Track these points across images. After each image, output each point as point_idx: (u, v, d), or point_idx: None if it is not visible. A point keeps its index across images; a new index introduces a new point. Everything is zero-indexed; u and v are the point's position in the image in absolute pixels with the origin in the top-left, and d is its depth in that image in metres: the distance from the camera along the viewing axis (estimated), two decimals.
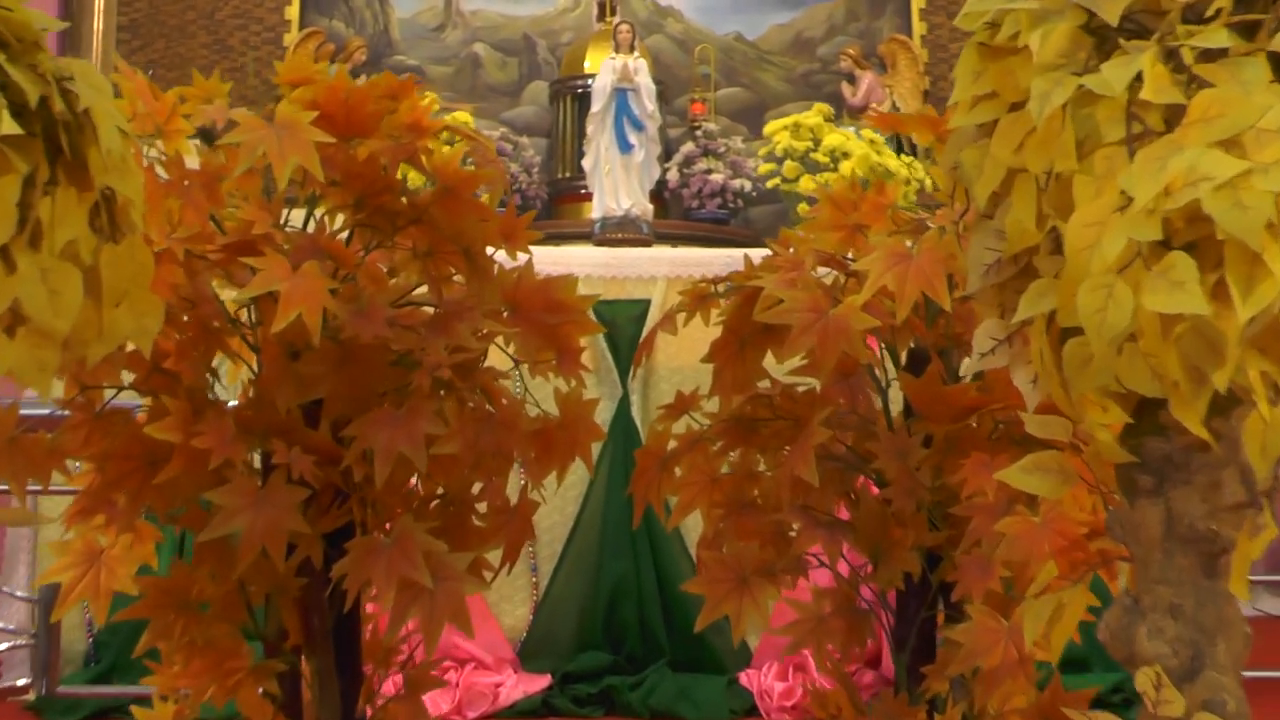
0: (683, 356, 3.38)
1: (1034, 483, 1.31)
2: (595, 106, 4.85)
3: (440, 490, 1.57)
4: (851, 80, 6.64)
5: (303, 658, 1.59)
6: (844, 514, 1.70)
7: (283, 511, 1.40)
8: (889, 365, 1.70)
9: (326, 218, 1.62)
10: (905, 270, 1.45)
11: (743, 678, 3.48)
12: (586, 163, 4.94)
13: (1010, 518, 1.47)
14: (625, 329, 3.56)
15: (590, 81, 5.47)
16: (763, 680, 3.43)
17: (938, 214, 1.60)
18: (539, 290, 1.62)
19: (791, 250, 1.57)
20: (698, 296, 1.62)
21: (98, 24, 6.06)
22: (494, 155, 1.62)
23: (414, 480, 1.60)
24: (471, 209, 1.54)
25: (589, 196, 5.33)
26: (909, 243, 1.49)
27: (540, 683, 3.49)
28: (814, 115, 5.12)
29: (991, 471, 1.47)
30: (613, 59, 4.85)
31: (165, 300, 1.40)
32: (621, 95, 4.82)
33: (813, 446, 1.46)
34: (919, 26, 6.80)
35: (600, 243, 4.45)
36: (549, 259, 3.51)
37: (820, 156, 4.75)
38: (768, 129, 5.30)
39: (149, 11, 6.52)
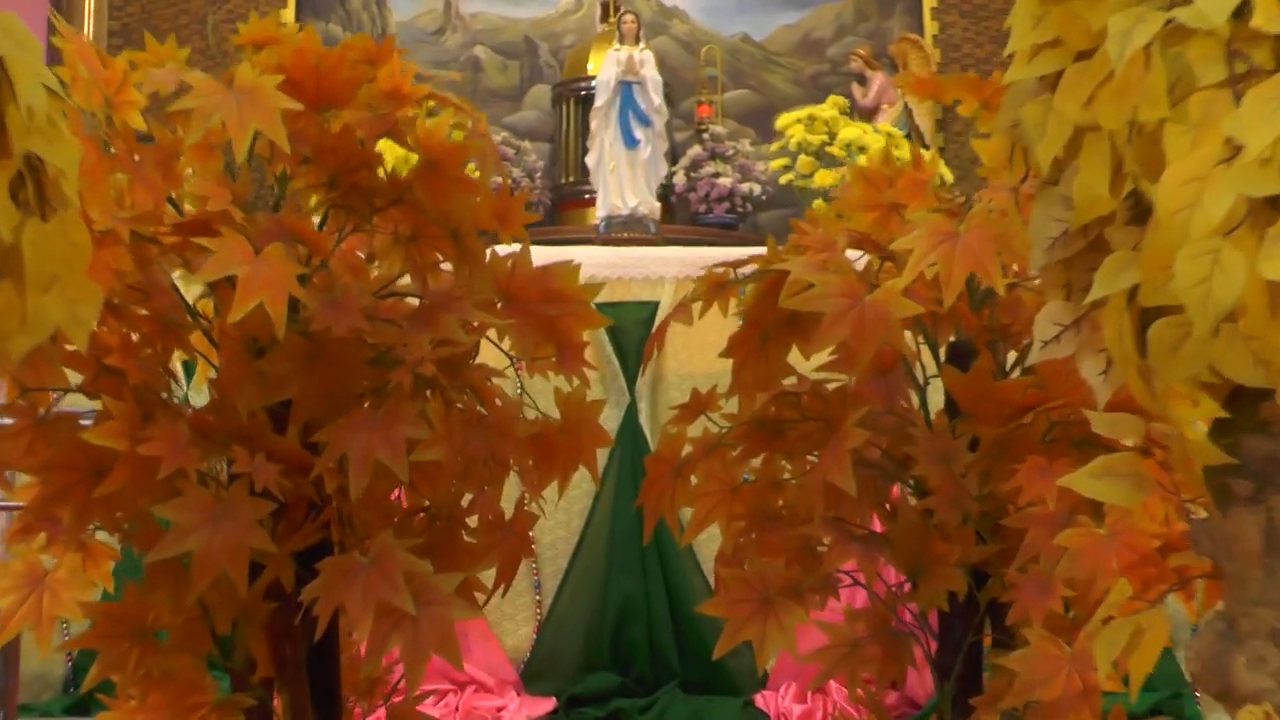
0: (694, 361, 3.21)
1: (1105, 489, 1.14)
2: (599, 101, 4.66)
3: (425, 503, 1.39)
4: (862, 81, 6.47)
5: (274, 691, 1.42)
6: (877, 527, 1.53)
7: (244, 528, 1.23)
8: (925, 360, 1.53)
9: (298, 200, 1.45)
10: (952, 249, 1.28)
11: (759, 700, 3.29)
12: (590, 159, 4.76)
13: (1072, 530, 1.30)
14: (632, 332, 3.38)
15: (593, 84, 5.29)
16: (780, 703, 3.25)
17: (984, 191, 1.42)
18: (536, 279, 1.45)
19: (820, 230, 1.39)
20: (715, 284, 1.44)
21: (88, 28, 5.92)
22: (484, 129, 1.45)
23: (398, 493, 1.43)
24: (459, 185, 1.37)
25: (593, 201, 5.16)
26: (954, 221, 1.31)
27: (544, 706, 3.31)
28: (829, 108, 4.95)
29: (1051, 478, 1.30)
30: (617, 50, 4.66)
31: (107, 288, 1.23)
32: (627, 89, 4.64)
33: (848, 450, 1.29)
34: (930, 26, 6.64)
35: (605, 243, 4.28)
36: (549, 258, 3.33)
37: (836, 150, 4.57)
38: (780, 122, 5.11)
39: (141, 16, 6.38)
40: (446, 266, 1.47)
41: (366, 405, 1.32)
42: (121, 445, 1.20)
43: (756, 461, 1.50)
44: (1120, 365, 1.06)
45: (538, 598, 3.42)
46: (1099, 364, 1.11)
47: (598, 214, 4.62)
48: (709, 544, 3.34)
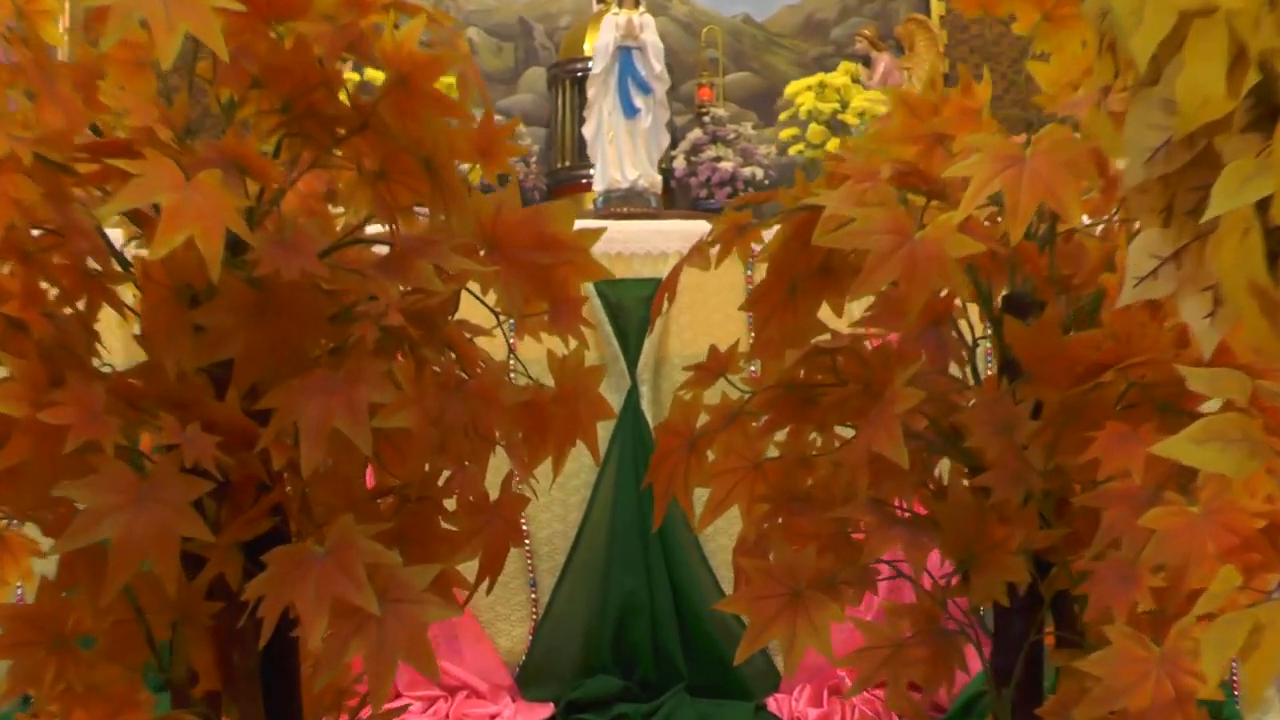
0: (699, 342, 2.99)
1: (1212, 457, 0.94)
2: (596, 67, 4.41)
3: (396, 483, 1.18)
4: (867, 63, 6.24)
5: (221, 706, 1.21)
6: (918, 510, 1.32)
7: (173, 511, 1.02)
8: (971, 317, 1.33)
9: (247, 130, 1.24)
10: (1018, 175, 1.07)
11: (771, 703, 3.08)
12: (587, 130, 4.51)
13: (1160, 509, 1.09)
14: (633, 312, 3.16)
15: (591, 64, 5.06)
16: (794, 706, 3.04)
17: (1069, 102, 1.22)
18: (526, 222, 1.24)
19: (860, 159, 1.19)
20: (734, 226, 1.24)
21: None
22: (464, 46, 1.25)
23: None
24: (432, 105, 1.16)
25: (590, 186, 4.93)
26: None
27: (542, 712, 3.10)
28: (840, 75, 4.73)
29: (1137, 446, 1.09)
30: (615, 14, 4.40)
31: (3, 222, 1.02)
32: (626, 54, 4.39)
33: (898, 416, 1.08)
34: (937, 6, 6.41)
35: (603, 217, 4.05)
36: None
37: (849, 118, 4.34)
38: (790, 89, 4.87)
39: None
40: (423, 214, 1.26)
41: (326, 368, 1.11)
42: (20, 411, 0.99)
43: (783, 434, 1.29)
44: (1236, 302, 0.85)
45: (533, 595, 3.20)
46: (1203, 305, 0.90)
47: (595, 187, 4.37)
48: (715, 536, 3.13)
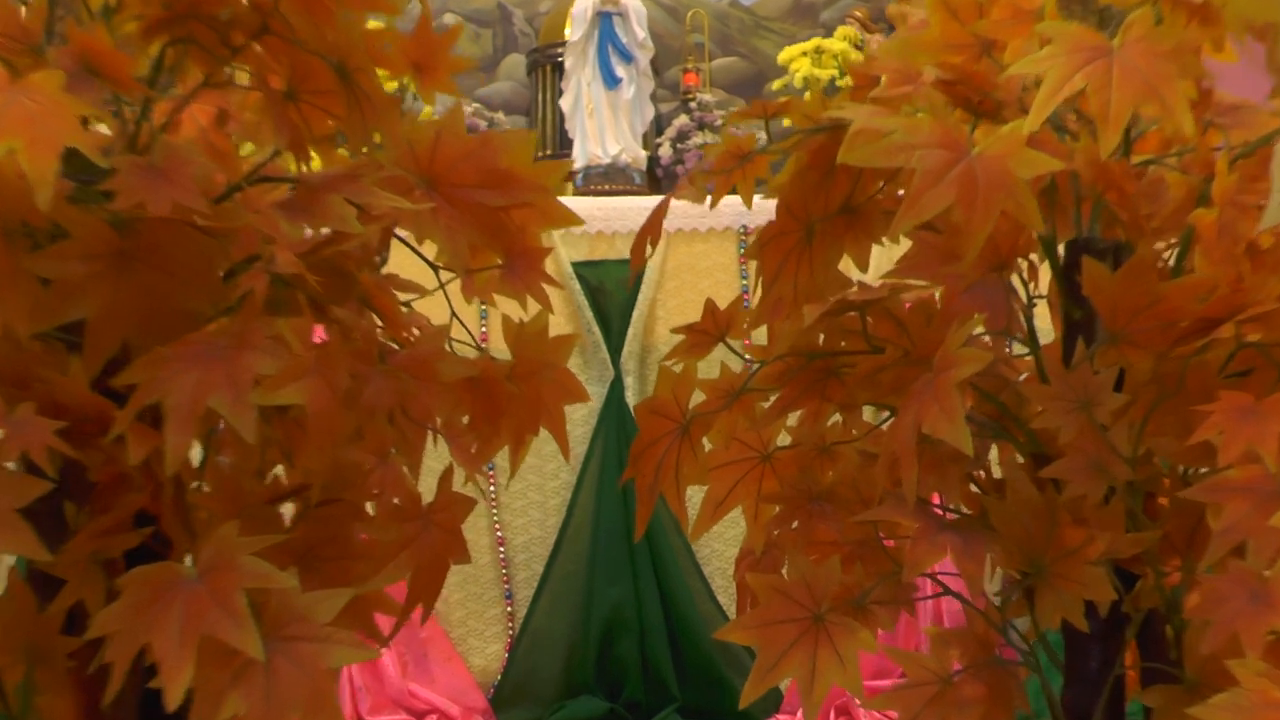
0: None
1: None
2: (574, 35, 4.11)
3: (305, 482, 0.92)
4: (859, 47, 6.00)
5: None
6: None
7: None
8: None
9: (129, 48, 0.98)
10: (1107, 70, 0.82)
11: None
12: (565, 102, 4.23)
13: None
14: (616, 295, 2.90)
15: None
16: None
17: None
18: (473, 154, 0.98)
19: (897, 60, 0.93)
20: (734, 154, 0.98)
21: None
22: None
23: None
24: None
25: (573, 177, 4.67)
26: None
27: None
28: (838, 40, 4.47)
29: (1267, 424, 0.84)
30: None
31: None
32: (606, 20, 4.10)
33: (956, 385, 0.82)
34: None
35: (583, 195, 3.78)
36: None
37: (848, 84, 4.08)
38: (783, 56, 4.60)
39: None
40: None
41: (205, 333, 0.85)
42: None
43: (797, 418, 1.03)
44: None
45: (509, 609, 2.94)
46: None
47: (575, 164, 4.09)
48: (710, 540, 2.87)
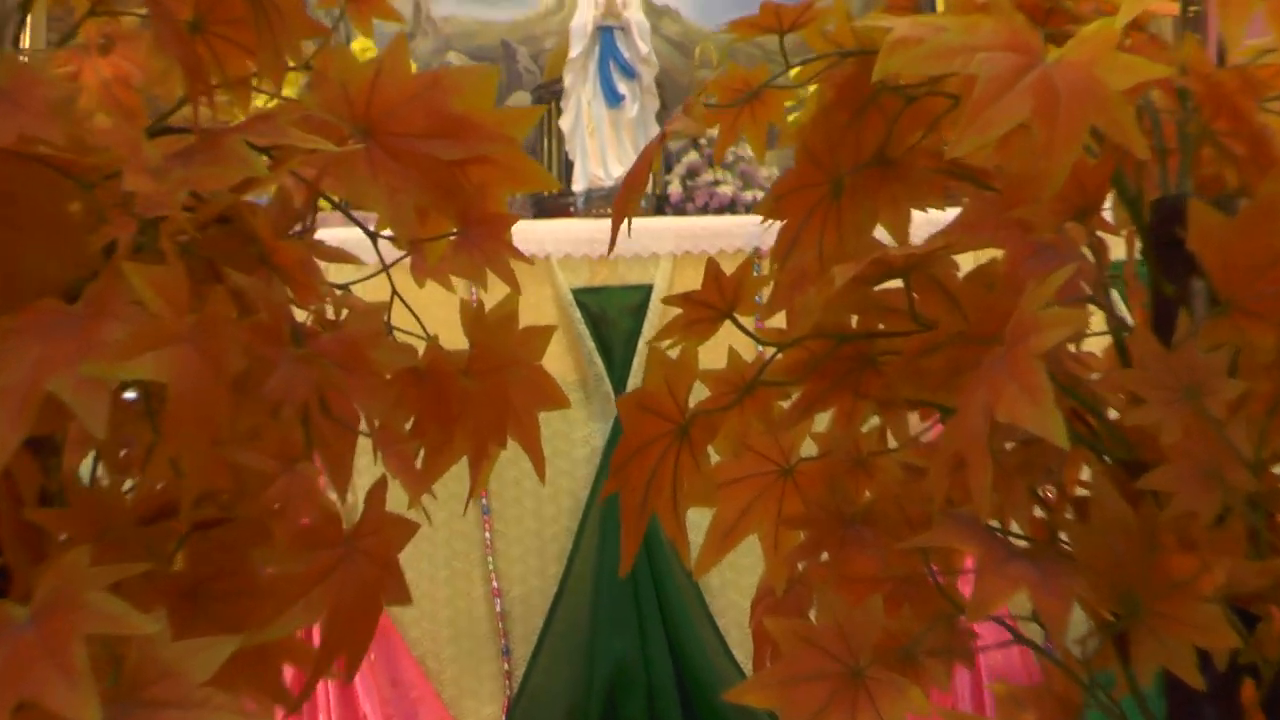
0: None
1: None
2: (574, 51, 3.93)
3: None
4: None
5: None
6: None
7: None
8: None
9: None
10: None
11: None
12: (564, 122, 4.04)
13: None
14: (620, 324, 2.71)
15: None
16: None
17: None
18: (420, 95, 0.80)
19: None
20: (736, 87, 0.79)
21: None
22: None
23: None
24: None
25: (573, 199, 4.48)
26: None
27: None
28: None
29: None
30: None
31: None
32: (607, 35, 3.92)
33: (1040, 357, 0.62)
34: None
35: (584, 217, 3.59)
36: (517, 236, 2.67)
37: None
38: (796, 74, 4.44)
39: None
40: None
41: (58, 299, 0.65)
42: None
43: (825, 419, 0.83)
44: None
45: (506, 667, 2.71)
46: None
47: (575, 187, 3.89)
48: (721, 574, 2.64)
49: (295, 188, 0.77)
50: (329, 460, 0.71)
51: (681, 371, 0.78)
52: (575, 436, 2.68)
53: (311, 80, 0.79)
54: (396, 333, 0.80)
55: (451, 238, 0.82)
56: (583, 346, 2.70)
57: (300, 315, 0.76)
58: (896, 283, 0.80)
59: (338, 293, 0.79)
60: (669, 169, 5.45)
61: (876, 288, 0.79)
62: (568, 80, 3.82)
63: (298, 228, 0.78)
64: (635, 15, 3.95)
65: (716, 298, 0.79)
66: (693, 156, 5.47)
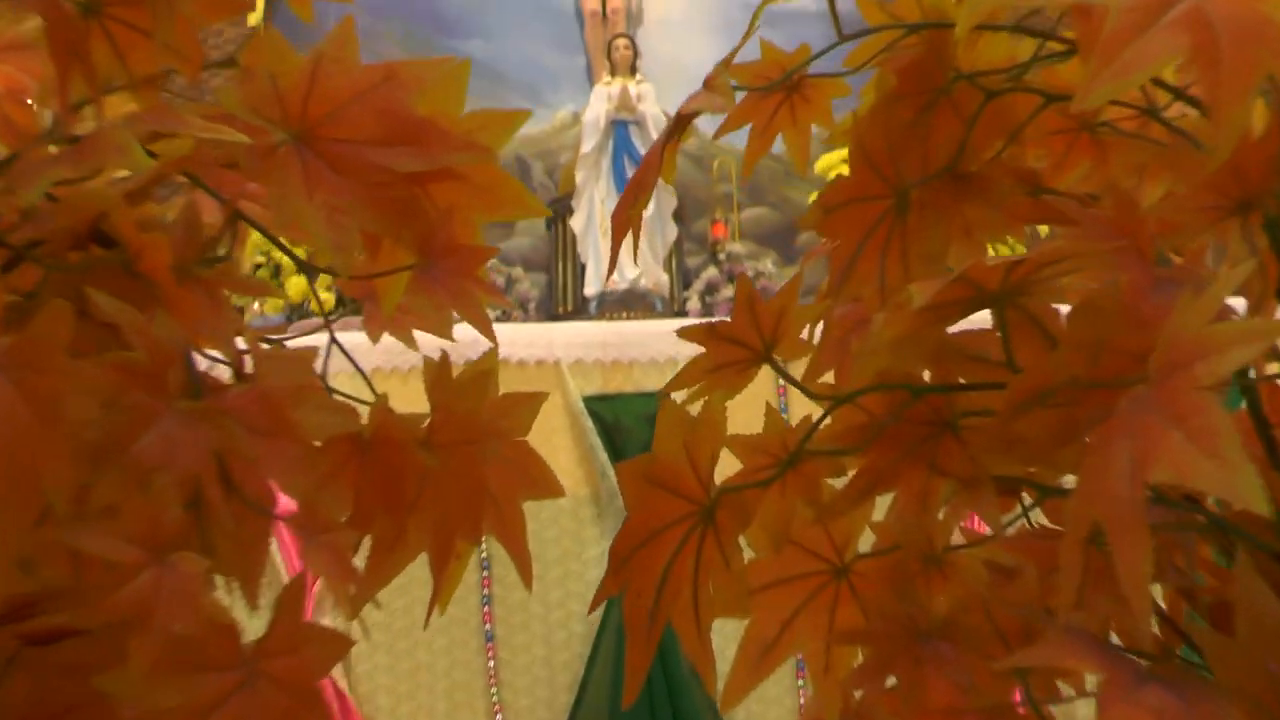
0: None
1: None
2: (586, 146, 3.80)
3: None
4: None
5: None
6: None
7: None
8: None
9: None
10: None
11: None
12: (576, 222, 3.90)
13: None
14: (634, 434, 2.51)
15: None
16: None
17: None
18: (369, 92, 0.63)
19: None
20: (769, 72, 0.62)
21: None
22: None
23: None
24: None
25: (586, 304, 4.34)
26: None
27: None
28: None
29: None
30: (608, 84, 3.81)
31: None
32: (621, 129, 3.79)
33: (1213, 389, 0.44)
34: None
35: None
36: (523, 339, 2.51)
37: None
38: (820, 165, 4.30)
39: None
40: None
41: None
42: None
43: (886, 501, 0.65)
44: None
45: None
46: None
47: (587, 290, 3.75)
48: (743, 706, 2.42)
49: (206, 205, 0.60)
50: (230, 553, 0.53)
51: (704, 435, 0.60)
52: (587, 556, 2.48)
53: (235, 76, 0.63)
54: (337, 394, 0.63)
55: (409, 271, 0.64)
56: (595, 458, 2.51)
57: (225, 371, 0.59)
58: (969, 323, 0.63)
59: (259, 342, 0.62)
60: (687, 284, 5.33)
61: (951, 328, 0.61)
62: (579, 177, 3.70)
63: (217, 254, 0.61)
64: (651, 109, 3.84)
65: (751, 333, 0.61)
66: (711, 272, 5.36)
